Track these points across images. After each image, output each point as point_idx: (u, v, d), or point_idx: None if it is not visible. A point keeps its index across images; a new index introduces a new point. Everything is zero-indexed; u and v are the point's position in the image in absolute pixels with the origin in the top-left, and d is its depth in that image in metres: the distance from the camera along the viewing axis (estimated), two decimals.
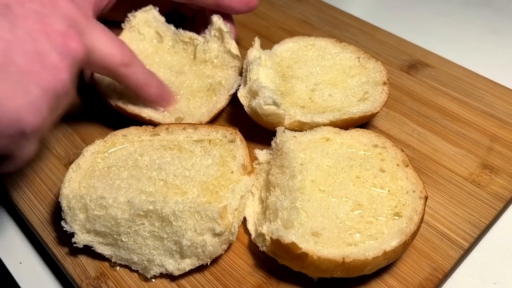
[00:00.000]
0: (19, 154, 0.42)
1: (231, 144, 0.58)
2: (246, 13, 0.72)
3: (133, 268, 0.51)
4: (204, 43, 0.71)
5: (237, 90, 0.65)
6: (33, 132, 0.41)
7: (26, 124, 0.40)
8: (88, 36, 0.47)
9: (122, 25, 0.74)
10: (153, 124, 0.63)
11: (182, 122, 0.62)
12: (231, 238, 0.50)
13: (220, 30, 0.70)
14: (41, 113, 0.40)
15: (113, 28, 0.62)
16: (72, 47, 0.44)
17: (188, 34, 0.73)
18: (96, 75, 0.68)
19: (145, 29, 0.74)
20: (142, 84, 0.58)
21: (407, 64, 0.79)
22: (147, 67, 0.70)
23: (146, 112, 0.64)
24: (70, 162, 0.56)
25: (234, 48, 0.70)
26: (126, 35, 0.74)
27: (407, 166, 0.55)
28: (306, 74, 0.68)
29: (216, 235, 0.48)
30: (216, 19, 0.70)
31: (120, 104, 0.64)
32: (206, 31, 0.72)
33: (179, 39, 0.73)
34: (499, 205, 0.58)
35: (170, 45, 0.73)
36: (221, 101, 0.66)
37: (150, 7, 0.75)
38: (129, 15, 0.74)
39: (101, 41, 0.49)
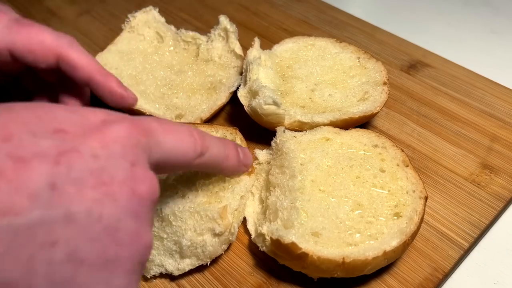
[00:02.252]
0: None
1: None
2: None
3: None
4: (207, 42, 0.71)
5: (237, 89, 0.65)
6: None
7: None
8: (154, 149, 0.36)
9: (122, 26, 0.75)
10: None
11: (181, 122, 0.62)
12: (231, 238, 0.50)
13: (225, 30, 0.71)
14: None
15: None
16: (143, 192, 0.32)
17: (190, 34, 0.73)
18: None
19: (145, 30, 0.74)
20: (221, 161, 0.47)
21: (407, 64, 0.79)
22: (147, 65, 0.70)
23: (146, 108, 0.64)
24: None
25: (238, 48, 0.70)
26: (125, 36, 0.74)
27: (407, 166, 0.55)
28: (306, 74, 0.68)
29: (216, 235, 0.48)
30: (223, 19, 0.71)
31: None
32: (212, 30, 0.72)
33: (180, 39, 0.73)
34: (499, 205, 0.58)
35: (171, 44, 0.73)
36: (222, 98, 0.66)
37: (150, 7, 0.75)
38: (129, 15, 0.74)
39: (169, 144, 0.38)
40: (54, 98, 0.58)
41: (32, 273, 0.27)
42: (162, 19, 0.75)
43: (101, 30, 0.88)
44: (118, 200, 0.31)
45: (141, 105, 0.64)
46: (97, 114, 0.33)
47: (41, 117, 0.31)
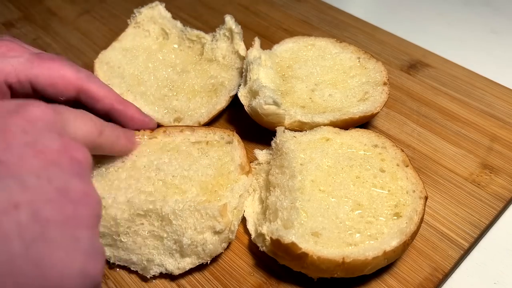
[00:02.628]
0: None
1: (228, 146, 0.58)
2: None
3: (132, 268, 0.51)
4: (212, 41, 0.71)
5: (237, 90, 0.65)
6: (101, 275, 0.36)
7: (93, 274, 0.34)
8: (66, 127, 0.41)
9: (128, 21, 0.75)
10: None
11: (179, 125, 0.62)
12: (230, 237, 0.50)
13: (230, 30, 0.70)
14: (99, 252, 0.35)
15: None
16: (79, 158, 0.37)
17: (195, 32, 0.73)
18: (96, 70, 0.68)
19: (151, 25, 0.74)
20: (115, 140, 0.52)
21: (407, 64, 0.79)
22: (150, 64, 0.70)
23: (145, 110, 0.64)
24: None
25: (242, 49, 0.70)
26: (130, 32, 0.74)
27: (407, 166, 0.55)
28: (306, 74, 0.68)
29: (216, 233, 0.48)
30: (229, 19, 0.71)
31: None
32: (217, 29, 0.72)
33: (185, 37, 0.73)
34: (499, 205, 0.58)
35: (176, 42, 0.73)
36: (221, 102, 0.66)
37: (156, 3, 0.75)
38: (135, 10, 0.74)
39: (76, 124, 0.43)
40: None
41: (5, 237, 0.30)
42: (168, 15, 0.75)
43: (101, 30, 0.88)
44: (60, 165, 0.35)
45: (140, 107, 0.64)
46: (11, 101, 0.38)
47: None
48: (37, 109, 0.37)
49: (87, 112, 0.45)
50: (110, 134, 0.49)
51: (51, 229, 0.32)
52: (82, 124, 0.43)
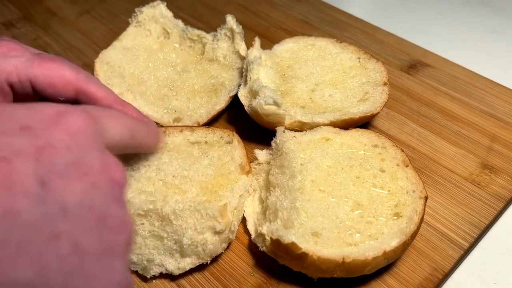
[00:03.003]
0: None
1: (228, 146, 0.58)
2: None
3: (132, 268, 0.51)
4: (213, 41, 0.71)
5: (237, 90, 0.65)
6: None
7: None
8: (104, 134, 0.39)
9: (129, 20, 0.75)
10: None
11: (179, 125, 0.62)
12: (231, 237, 0.50)
13: (232, 30, 0.70)
14: (130, 283, 0.34)
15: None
16: (118, 179, 0.35)
17: (196, 32, 0.73)
18: (96, 70, 0.68)
19: (152, 25, 0.74)
20: (147, 139, 0.51)
21: (407, 64, 0.79)
22: (150, 64, 0.70)
23: (144, 110, 0.64)
24: None
25: (243, 50, 0.70)
26: (131, 31, 0.74)
27: (407, 166, 0.55)
28: (306, 74, 0.68)
29: (216, 233, 0.48)
30: (230, 19, 0.71)
31: None
32: (218, 29, 0.72)
33: (186, 37, 0.73)
34: (499, 205, 0.58)
35: (177, 41, 0.73)
36: (221, 102, 0.66)
37: (157, 2, 0.75)
38: (136, 10, 0.74)
39: (113, 129, 0.41)
40: None
41: (46, 269, 0.28)
42: (170, 14, 0.75)
43: (101, 30, 0.87)
44: (101, 188, 0.33)
45: (140, 107, 0.64)
46: (49, 107, 0.35)
47: (2, 118, 0.32)
48: (78, 119, 0.35)
49: (118, 112, 0.44)
50: (141, 134, 0.48)
51: (88, 260, 0.30)
52: (117, 128, 0.41)
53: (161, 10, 0.74)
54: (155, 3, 0.75)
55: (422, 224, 0.53)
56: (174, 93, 0.68)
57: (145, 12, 0.74)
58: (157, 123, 0.62)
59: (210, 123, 0.67)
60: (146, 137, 0.50)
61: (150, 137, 0.51)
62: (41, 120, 0.33)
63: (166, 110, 0.65)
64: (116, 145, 0.41)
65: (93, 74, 0.67)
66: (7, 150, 0.29)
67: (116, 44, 0.72)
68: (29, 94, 0.55)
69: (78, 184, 0.31)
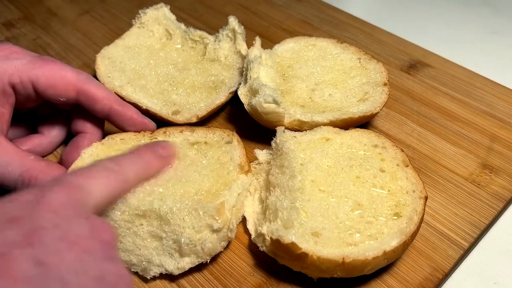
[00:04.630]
0: None
1: (228, 145, 0.58)
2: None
3: (132, 269, 0.51)
4: (215, 41, 0.72)
5: (237, 89, 0.65)
6: None
7: None
8: (88, 200, 0.40)
9: (132, 21, 0.75)
10: (150, 114, 0.63)
11: (179, 125, 0.61)
12: (229, 235, 0.50)
13: (233, 31, 0.71)
14: None
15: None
16: (107, 239, 0.37)
17: (198, 33, 0.73)
18: (97, 64, 0.68)
19: (155, 26, 0.75)
20: (146, 170, 0.51)
21: (407, 64, 0.79)
22: (151, 61, 0.71)
23: (143, 102, 0.64)
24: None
25: (244, 50, 0.70)
26: (134, 31, 0.75)
27: (407, 166, 0.55)
28: (306, 74, 0.68)
29: (214, 231, 0.48)
30: (232, 20, 0.71)
31: (119, 92, 0.65)
32: (220, 30, 0.72)
33: (188, 38, 0.74)
34: (499, 205, 0.58)
35: (179, 42, 0.74)
36: (221, 97, 0.66)
37: (161, 4, 0.76)
38: (140, 11, 0.75)
39: (97, 190, 0.41)
40: (66, 122, 0.62)
41: None
42: (173, 17, 0.76)
43: (101, 30, 0.87)
44: (93, 252, 0.35)
45: (139, 99, 0.64)
46: (27, 193, 0.37)
47: None
48: (57, 194, 0.37)
49: (101, 163, 0.43)
50: (135, 172, 0.47)
51: None
52: (102, 187, 0.41)
53: (165, 13, 0.76)
54: (158, 6, 0.76)
55: (422, 224, 0.53)
56: (174, 88, 0.68)
57: (149, 14, 0.75)
58: (156, 120, 0.62)
59: (209, 120, 0.67)
60: (147, 168, 0.50)
61: (151, 163, 0.50)
62: (25, 208, 0.35)
63: (165, 103, 0.65)
64: (105, 202, 0.42)
65: (94, 68, 0.68)
66: (2, 246, 0.31)
67: (118, 42, 0.73)
68: (30, 95, 0.55)
69: (71, 254, 0.33)
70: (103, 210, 0.43)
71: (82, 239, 0.35)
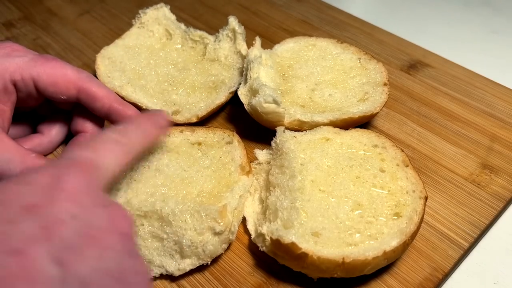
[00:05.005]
0: None
1: (228, 146, 0.58)
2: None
3: None
4: (215, 41, 0.72)
5: (237, 89, 0.65)
6: None
7: None
8: (101, 176, 0.38)
9: (132, 21, 0.75)
10: None
11: (179, 126, 0.61)
12: (231, 237, 0.50)
13: (233, 31, 0.71)
14: None
15: None
16: (126, 230, 0.35)
17: (198, 33, 0.73)
18: (97, 64, 0.68)
19: (155, 26, 0.75)
20: (145, 139, 0.49)
21: (407, 64, 0.79)
22: (151, 61, 0.71)
23: (143, 102, 0.64)
24: None
25: (244, 50, 0.70)
26: (134, 31, 0.75)
27: (407, 166, 0.55)
28: (306, 74, 0.68)
29: (216, 234, 0.48)
30: (232, 20, 0.71)
31: (119, 92, 0.65)
32: (220, 30, 0.72)
33: (188, 38, 0.74)
34: (499, 205, 0.58)
35: (179, 42, 0.74)
36: (221, 97, 0.66)
37: (161, 4, 0.76)
38: (140, 11, 0.75)
39: (108, 162, 0.40)
40: (66, 122, 0.62)
41: None
42: (173, 17, 0.76)
43: (101, 30, 0.87)
44: (113, 247, 0.33)
45: (139, 99, 0.65)
46: (43, 174, 0.35)
47: (4, 202, 0.32)
48: (74, 178, 0.35)
49: (108, 135, 0.43)
50: (138, 142, 0.46)
51: None
52: (112, 160, 0.40)
53: (165, 13, 0.76)
54: (158, 6, 0.76)
55: (422, 224, 0.53)
56: (174, 88, 0.68)
57: (149, 14, 0.75)
58: None
59: (209, 120, 0.67)
60: (146, 137, 0.48)
61: (149, 133, 0.49)
62: (40, 192, 0.33)
63: (165, 103, 0.65)
64: (113, 176, 0.41)
65: (94, 68, 0.68)
66: (18, 241, 0.29)
67: (118, 42, 0.73)
68: (31, 93, 0.55)
69: (91, 251, 0.31)
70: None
71: (101, 232, 0.33)
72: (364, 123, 0.64)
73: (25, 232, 0.30)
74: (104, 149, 0.40)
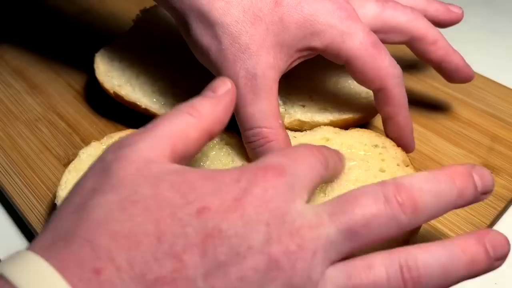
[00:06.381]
0: None
1: (228, 147, 0.58)
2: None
3: None
4: None
5: None
6: None
7: None
8: (297, 192, 0.33)
9: (132, 21, 0.76)
10: (149, 114, 0.62)
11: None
12: None
13: None
14: None
15: None
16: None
17: None
18: (96, 63, 0.68)
19: None
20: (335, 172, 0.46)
21: (407, 64, 0.79)
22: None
23: (143, 101, 0.64)
24: (70, 163, 0.56)
25: None
26: (134, 31, 0.75)
27: (407, 166, 0.55)
28: (307, 74, 0.68)
29: None
30: None
31: (118, 91, 0.65)
32: None
33: None
34: (500, 205, 0.57)
35: None
36: None
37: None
38: (140, 11, 0.75)
39: (306, 174, 0.35)
40: None
41: None
42: None
43: (101, 30, 0.87)
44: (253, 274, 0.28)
45: (138, 98, 0.64)
46: (234, 184, 0.31)
47: (185, 196, 0.30)
48: (266, 190, 0.30)
49: (308, 145, 0.38)
50: (332, 164, 0.42)
51: None
52: (309, 171, 0.35)
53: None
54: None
55: (422, 224, 0.53)
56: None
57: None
58: (155, 116, 0.62)
59: None
60: (338, 167, 0.46)
61: (339, 164, 0.46)
62: (220, 200, 0.30)
63: (164, 103, 0.65)
64: (311, 191, 0.36)
65: (94, 67, 0.68)
66: (178, 245, 0.27)
67: (118, 41, 0.73)
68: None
69: (234, 272, 0.28)
70: None
71: (251, 251, 0.28)
72: (364, 123, 0.64)
73: (187, 237, 0.28)
74: (302, 157, 0.36)
